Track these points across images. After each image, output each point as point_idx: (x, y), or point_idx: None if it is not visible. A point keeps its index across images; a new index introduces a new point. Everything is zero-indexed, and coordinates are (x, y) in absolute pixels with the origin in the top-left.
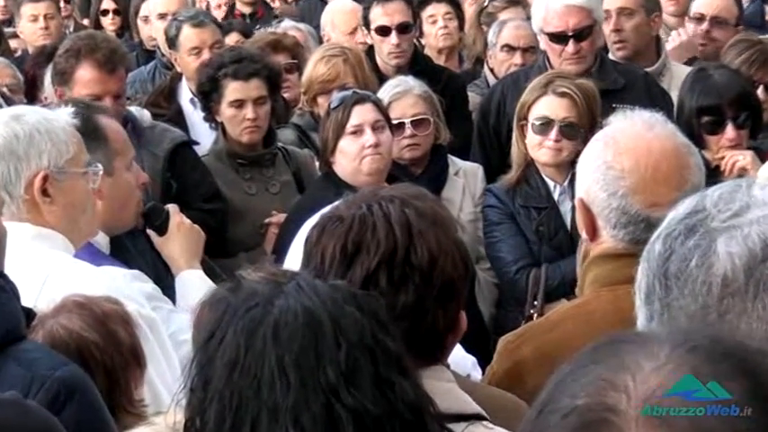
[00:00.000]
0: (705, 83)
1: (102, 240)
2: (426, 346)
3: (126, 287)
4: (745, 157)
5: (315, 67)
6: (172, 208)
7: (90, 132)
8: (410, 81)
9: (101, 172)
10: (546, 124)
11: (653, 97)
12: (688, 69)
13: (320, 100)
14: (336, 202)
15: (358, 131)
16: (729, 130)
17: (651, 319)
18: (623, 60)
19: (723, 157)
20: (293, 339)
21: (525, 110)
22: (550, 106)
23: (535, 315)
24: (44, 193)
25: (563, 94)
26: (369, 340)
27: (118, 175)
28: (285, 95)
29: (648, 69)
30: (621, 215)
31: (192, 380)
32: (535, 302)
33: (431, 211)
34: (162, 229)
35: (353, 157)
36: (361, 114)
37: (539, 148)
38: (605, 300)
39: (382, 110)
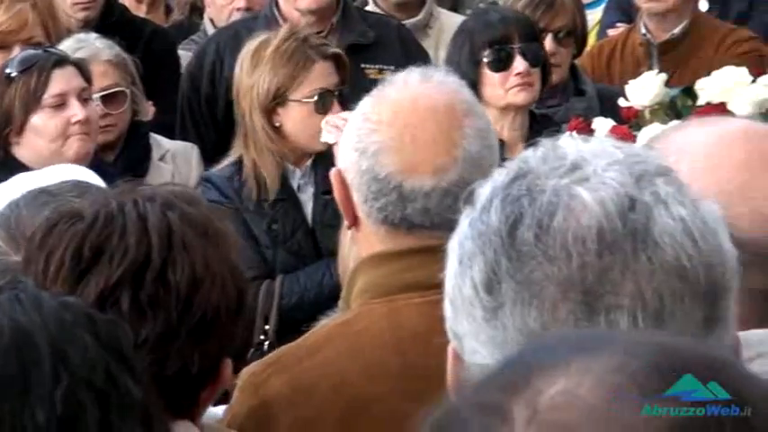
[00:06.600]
0: (485, 17)
1: None
2: (172, 393)
3: None
4: None
5: None
6: None
7: None
8: (95, 41)
9: None
10: (325, 97)
11: (409, 55)
12: (461, 19)
13: None
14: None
15: (60, 104)
16: (519, 63)
17: (497, 311)
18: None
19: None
20: None
21: (287, 88)
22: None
23: (267, 343)
24: None
25: (331, 56)
26: (100, 378)
27: None
28: None
29: (410, 21)
30: (372, 181)
31: None
32: (267, 326)
33: (202, 219)
34: None
35: (54, 136)
36: (64, 81)
37: (318, 133)
38: (378, 315)
39: (87, 76)
